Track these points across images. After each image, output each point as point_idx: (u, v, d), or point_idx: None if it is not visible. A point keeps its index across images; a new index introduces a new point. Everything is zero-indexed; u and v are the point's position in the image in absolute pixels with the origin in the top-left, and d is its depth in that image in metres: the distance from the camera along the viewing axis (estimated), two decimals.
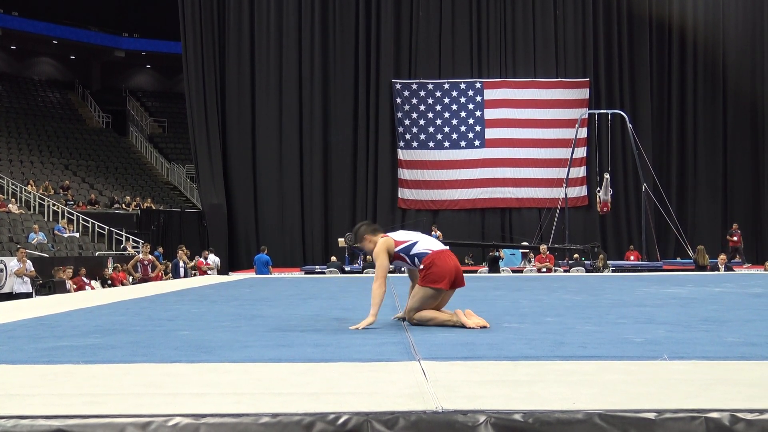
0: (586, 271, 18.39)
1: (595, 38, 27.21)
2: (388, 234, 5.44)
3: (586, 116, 26.04)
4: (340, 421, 2.33)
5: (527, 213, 26.96)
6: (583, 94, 26.90)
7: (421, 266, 5.19)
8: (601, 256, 19.33)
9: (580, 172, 26.64)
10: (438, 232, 23.11)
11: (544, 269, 18.24)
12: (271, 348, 3.95)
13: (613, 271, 18.57)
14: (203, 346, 4.05)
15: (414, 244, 5.26)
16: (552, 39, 27.30)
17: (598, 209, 24.04)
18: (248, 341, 4.25)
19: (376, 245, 5.27)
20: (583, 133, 26.13)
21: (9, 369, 3.31)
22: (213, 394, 2.67)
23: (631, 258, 23.70)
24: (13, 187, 24.98)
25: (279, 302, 7.62)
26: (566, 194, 24.32)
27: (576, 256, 21.42)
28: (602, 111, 25.42)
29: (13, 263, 15.60)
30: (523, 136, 26.87)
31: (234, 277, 16.55)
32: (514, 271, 19.59)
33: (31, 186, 25.47)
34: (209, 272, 19.30)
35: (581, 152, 26.38)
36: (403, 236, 5.38)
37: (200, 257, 20.25)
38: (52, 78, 38.40)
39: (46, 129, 32.54)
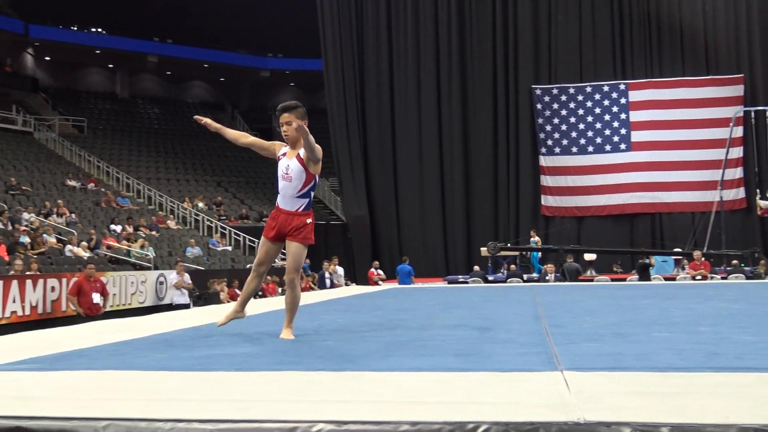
0: (746, 278, 17.35)
1: (749, 30, 25.68)
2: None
3: (742, 114, 24.62)
4: (480, 430, 2.31)
5: (679, 218, 25.73)
6: (738, 91, 25.41)
7: (309, 219, 5.03)
8: (762, 261, 18.23)
9: (736, 173, 25.17)
10: (536, 238, 22.66)
11: (698, 276, 17.37)
12: (411, 357, 3.99)
13: None
14: (346, 355, 4.14)
15: None
16: (701, 34, 26.04)
17: (759, 213, 22.68)
18: (390, 350, 4.30)
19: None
20: (738, 132, 24.74)
21: (168, 375, 3.52)
22: (355, 402, 2.72)
23: None
24: (171, 204, 26.56)
25: (421, 312, 7.67)
26: (721, 197, 23.10)
27: (734, 262, 20.28)
28: (759, 108, 23.96)
29: (172, 276, 16.56)
30: (673, 137, 25.70)
31: (377, 287, 16.80)
32: (666, 279, 18.77)
33: (187, 203, 26.95)
34: (380, 283, 19.73)
35: (737, 152, 24.95)
36: None
37: (372, 268, 21.31)
38: (204, 100, 40.59)
39: (200, 148, 34.35)
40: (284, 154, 5.02)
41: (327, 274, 18.88)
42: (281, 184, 4.98)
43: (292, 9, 34.54)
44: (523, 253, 23.03)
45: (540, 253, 22.72)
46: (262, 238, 5.08)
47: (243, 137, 5.27)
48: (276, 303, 9.74)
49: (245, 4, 36.90)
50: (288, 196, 4.95)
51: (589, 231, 25.84)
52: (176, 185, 29.91)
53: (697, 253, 18.58)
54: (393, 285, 18.45)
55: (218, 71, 39.60)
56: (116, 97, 38.64)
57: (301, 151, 4.90)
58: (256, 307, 9.12)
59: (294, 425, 2.38)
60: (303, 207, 4.99)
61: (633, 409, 2.50)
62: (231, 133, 5.26)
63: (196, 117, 5.22)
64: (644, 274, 18.90)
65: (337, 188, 30.14)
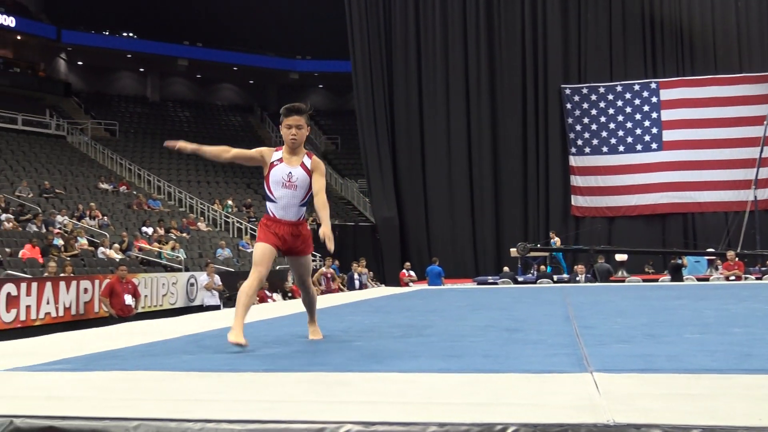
0: None
1: None
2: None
3: None
4: None
5: (712, 217, 25.38)
6: None
7: (308, 227, 4.90)
8: None
9: None
10: (556, 239, 22.47)
11: (732, 277, 17.12)
12: (440, 358, 3.98)
13: None
14: (374, 355, 4.15)
15: None
16: (734, 31, 25.68)
17: None
18: (418, 351, 4.30)
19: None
20: None
21: (198, 376, 3.55)
22: (382, 403, 2.72)
23: None
24: (202, 206, 26.79)
25: (450, 313, 7.65)
26: (755, 196, 22.76)
27: None
28: None
29: (202, 278, 16.70)
30: (705, 136, 25.34)
31: (408, 288, 16.79)
32: (699, 280, 18.53)
33: (217, 205, 27.16)
34: (410, 284, 19.75)
35: None
36: None
37: (403, 269, 21.31)
38: (233, 102, 40.88)
39: None
40: (280, 160, 4.75)
41: (356, 276, 18.93)
42: (281, 192, 4.70)
43: (320, 11, 34.71)
44: (553, 254, 22.89)
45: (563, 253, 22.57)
46: (268, 246, 4.69)
47: (224, 152, 4.96)
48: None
49: (274, 7, 37.15)
50: (292, 205, 4.73)
51: (620, 231, 25.60)
52: (206, 187, 30.16)
53: (730, 253, 18.30)
54: (423, 286, 18.45)
55: (247, 74, 39.87)
56: (147, 100, 39.07)
57: (307, 160, 4.74)
58: (284, 308, 9.17)
59: (322, 426, 2.39)
60: (303, 216, 4.85)
61: (663, 411, 2.47)
62: (210, 151, 4.95)
63: (166, 143, 4.91)
64: (676, 275, 18.68)
65: (365, 190, 30.18)
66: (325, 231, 4.41)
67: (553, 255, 22.75)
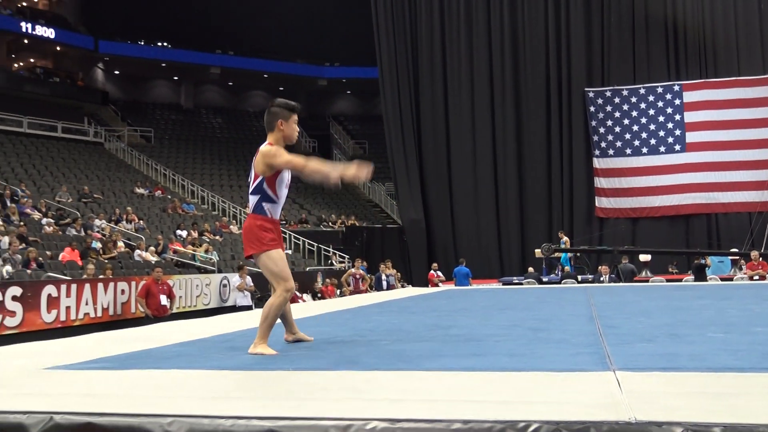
0: None
1: None
2: None
3: None
4: (530, 429, 2.29)
5: (736, 218, 25.00)
6: None
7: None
8: None
9: None
10: (565, 238, 22.20)
11: (756, 277, 16.87)
12: (465, 357, 3.97)
13: None
14: (401, 355, 4.15)
15: None
16: (757, 33, 25.29)
17: None
18: (443, 350, 4.29)
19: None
20: None
21: (230, 374, 3.58)
22: (408, 401, 2.73)
23: None
24: (234, 209, 26.97)
25: (475, 313, 7.63)
26: None
27: None
28: None
29: (235, 279, 16.79)
30: (729, 138, 24.96)
31: (433, 289, 16.77)
32: (722, 280, 18.27)
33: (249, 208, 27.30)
34: (439, 284, 19.73)
35: None
36: None
37: (431, 270, 21.21)
38: (264, 109, 40.82)
39: None
40: None
41: (383, 276, 18.94)
42: (283, 192, 4.59)
43: (347, 20, 34.81)
44: (578, 254, 22.70)
45: (570, 256, 22.20)
46: (282, 252, 4.54)
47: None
48: (335, 305, 9.81)
49: (302, 16, 37.32)
50: (282, 206, 4.66)
51: (644, 232, 25.34)
52: (239, 191, 30.34)
53: (754, 253, 18.04)
54: (450, 286, 18.41)
55: (277, 81, 40.08)
56: (181, 107, 39.44)
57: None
58: (313, 309, 9.20)
59: (349, 423, 2.40)
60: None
61: (685, 409, 2.45)
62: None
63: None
64: (700, 275, 18.45)
65: (393, 193, 30.18)
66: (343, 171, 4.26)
67: (578, 255, 22.53)
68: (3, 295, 11.36)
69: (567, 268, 21.38)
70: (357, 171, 4.29)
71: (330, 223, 28.43)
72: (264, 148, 4.51)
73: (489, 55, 26.87)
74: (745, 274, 17.72)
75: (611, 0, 26.30)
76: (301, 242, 25.16)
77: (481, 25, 26.95)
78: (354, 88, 40.98)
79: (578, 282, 18.93)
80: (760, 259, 17.74)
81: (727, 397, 2.65)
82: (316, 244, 25.03)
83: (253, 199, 4.52)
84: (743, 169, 24.80)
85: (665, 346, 4.27)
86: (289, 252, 24.02)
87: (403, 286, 19.66)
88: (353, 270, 17.81)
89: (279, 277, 4.41)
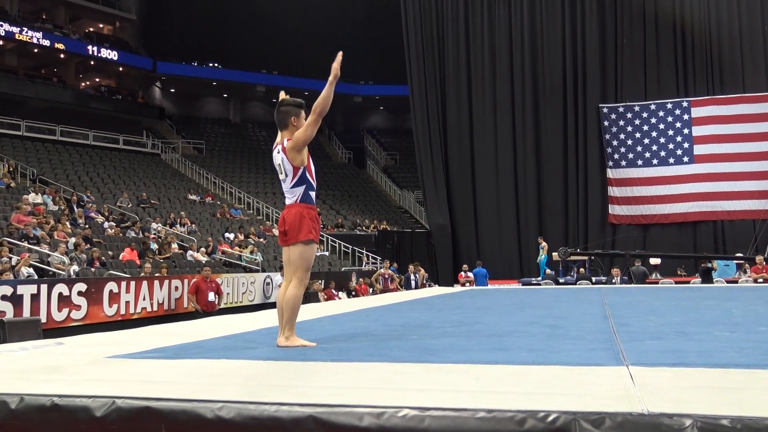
0: None
1: None
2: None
3: None
4: (550, 418, 2.28)
5: (740, 225, 24.54)
6: None
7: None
8: None
9: None
10: (544, 243, 21.77)
11: (760, 280, 16.54)
12: (488, 351, 3.95)
13: None
14: (429, 348, 4.13)
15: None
16: (761, 53, 24.87)
17: None
18: (468, 345, 4.27)
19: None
20: None
21: (273, 364, 3.60)
22: (436, 391, 2.72)
23: None
24: (276, 214, 27.10)
25: (497, 311, 7.58)
26: None
27: None
28: None
29: (277, 278, 16.89)
30: (734, 150, 24.54)
31: (458, 289, 16.70)
32: (728, 282, 17.95)
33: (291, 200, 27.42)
34: (467, 284, 19.63)
35: None
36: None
37: (461, 271, 21.08)
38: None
39: None
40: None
41: (412, 277, 18.91)
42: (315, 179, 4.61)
43: (381, 42, 34.94)
44: (592, 257, 22.42)
45: (547, 260, 21.65)
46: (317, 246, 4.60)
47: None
48: (368, 302, 9.82)
49: (339, 39, 37.42)
50: None
51: (654, 237, 25.00)
52: (281, 198, 30.50)
53: (759, 257, 17.69)
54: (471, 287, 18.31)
55: (316, 98, 40.06)
56: (230, 122, 39.80)
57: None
58: (349, 305, 9.21)
59: (382, 410, 2.40)
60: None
61: (694, 402, 2.41)
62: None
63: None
64: (707, 278, 18.14)
65: (421, 200, 30.15)
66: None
67: (540, 261, 21.81)
68: (70, 291, 11.54)
69: (549, 270, 21.03)
70: (336, 64, 4.51)
71: (364, 228, 28.46)
72: (287, 143, 4.47)
73: (510, 74, 26.76)
74: (749, 277, 17.39)
75: (624, 22, 26.05)
76: (337, 244, 25.22)
77: (503, 47, 26.85)
78: (386, 105, 41.03)
79: (592, 283, 18.72)
80: (765, 263, 17.39)
81: (734, 392, 2.60)
82: (351, 247, 25.08)
83: (298, 191, 4.45)
84: (747, 179, 24.36)
85: (675, 343, 4.20)
86: (326, 253, 24.09)
87: (430, 286, 19.60)
88: (382, 270, 17.81)
89: (308, 270, 4.50)
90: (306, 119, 4.51)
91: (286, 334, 4.34)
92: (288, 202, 4.49)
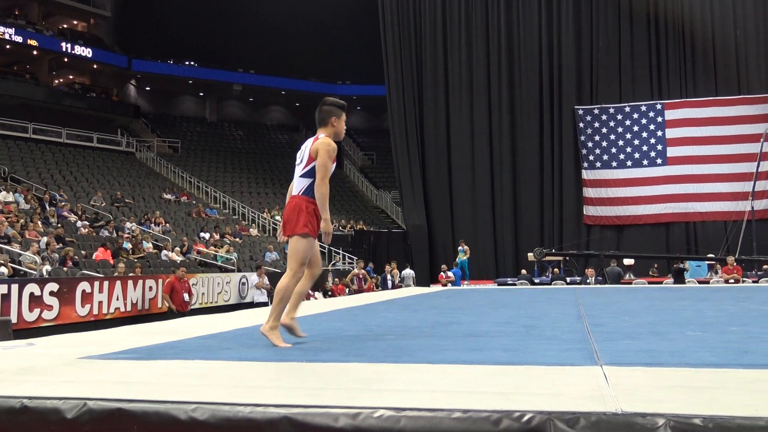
0: None
1: None
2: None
3: None
4: (525, 418, 2.28)
5: (712, 226, 24.90)
6: (767, 109, 24.54)
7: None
8: None
9: (766, 185, 24.25)
10: (465, 247, 21.88)
11: (731, 280, 16.79)
12: (464, 351, 3.96)
13: None
14: (405, 348, 4.13)
15: None
16: (732, 58, 25.26)
17: None
18: (444, 345, 4.27)
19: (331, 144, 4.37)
20: None
21: (248, 365, 3.57)
22: (412, 391, 2.71)
23: None
24: (252, 214, 26.98)
25: (473, 311, 7.60)
26: (753, 207, 22.32)
27: (765, 267, 19.55)
28: None
29: (253, 278, 16.81)
30: (706, 152, 24.91)
31: (433, 288, 16.74)
32: (700, 283, 18.19)
33: (266, 213, 27.34)
34: (448, 285, 19.68)
35: (767, 166, 24.07)
36: None
37: (441, 272, 20.93)
38: (281, 123, 41.18)
39: (278, 165, 34.90)
40: None
41: (389, 277, 18.92)
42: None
43: (358, 42, 34.91)
44: (567, 258, 22.62)
45: (468, 263, 21.68)
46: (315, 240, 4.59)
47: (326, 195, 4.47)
48: (345, 302, 9.80)
49: (317, 38, 37.42)
50: None
51: (628, 238, 25.27)
52: (257, 198, 30.38)
53: (730, 259, 17.96)
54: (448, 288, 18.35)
55: (294, 97, 40.16)
56: (206, 121, 39.53)
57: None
58: (325, 305, 9.19)
59: (358, 411, 2.38)
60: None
61: (667, 401, 2.43)
62: (325, 204, 4.47)
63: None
64: (679, 278, 18.36)
65: (398, 200, 30.18)
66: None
67: (460, 263, 21.79)
68: (41, 291, 11.39)
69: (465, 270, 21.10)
70: (327, 235, 4.45)
71: (340, 228, 28.42)
72: (326, 139, 4.47)
73: (487, 75, 26.89)
74: (720, 277, 17.65)
75: (600, 24, 26.31)
76: None
77: (480, 48, 26.98)
78: (364, 105, 41.02)
79: (567, 283, 18.88)
80: (735, 264, 17.65)
81: (706, 391, 2.63)
82: (327, 247, 25.01)
83: (305, 182, 4.42)
84: (719, 181, 24.72)
85: (648, 343, 4.24)
86: None
87: (406, 286, 19.64)
88: (356, 270, 17.84)
89: (302, 263, 4.45)
90: (344, 122, 4.60)
91: (270, 324, 4.34)
92: (294, 191, 4.49)
